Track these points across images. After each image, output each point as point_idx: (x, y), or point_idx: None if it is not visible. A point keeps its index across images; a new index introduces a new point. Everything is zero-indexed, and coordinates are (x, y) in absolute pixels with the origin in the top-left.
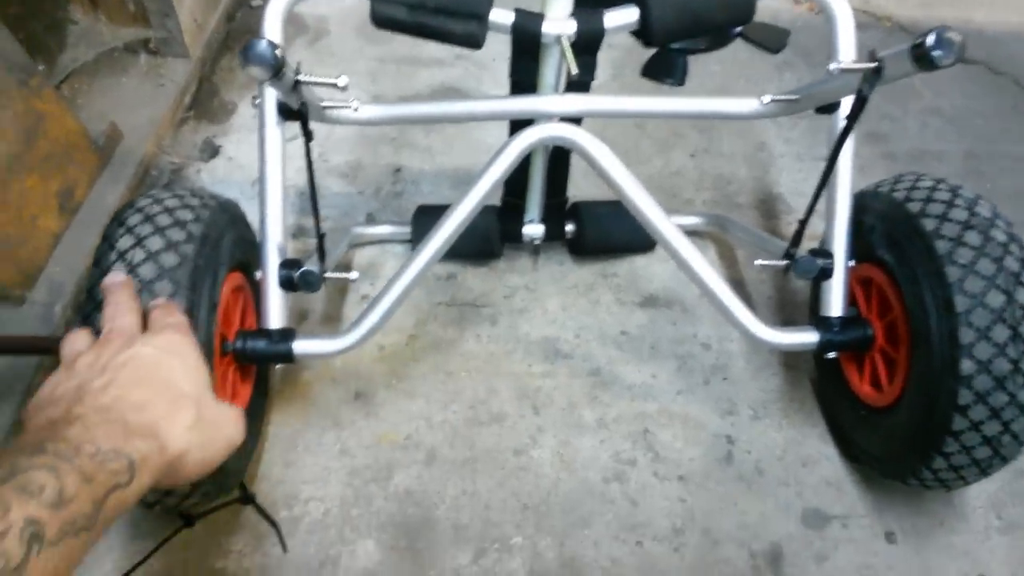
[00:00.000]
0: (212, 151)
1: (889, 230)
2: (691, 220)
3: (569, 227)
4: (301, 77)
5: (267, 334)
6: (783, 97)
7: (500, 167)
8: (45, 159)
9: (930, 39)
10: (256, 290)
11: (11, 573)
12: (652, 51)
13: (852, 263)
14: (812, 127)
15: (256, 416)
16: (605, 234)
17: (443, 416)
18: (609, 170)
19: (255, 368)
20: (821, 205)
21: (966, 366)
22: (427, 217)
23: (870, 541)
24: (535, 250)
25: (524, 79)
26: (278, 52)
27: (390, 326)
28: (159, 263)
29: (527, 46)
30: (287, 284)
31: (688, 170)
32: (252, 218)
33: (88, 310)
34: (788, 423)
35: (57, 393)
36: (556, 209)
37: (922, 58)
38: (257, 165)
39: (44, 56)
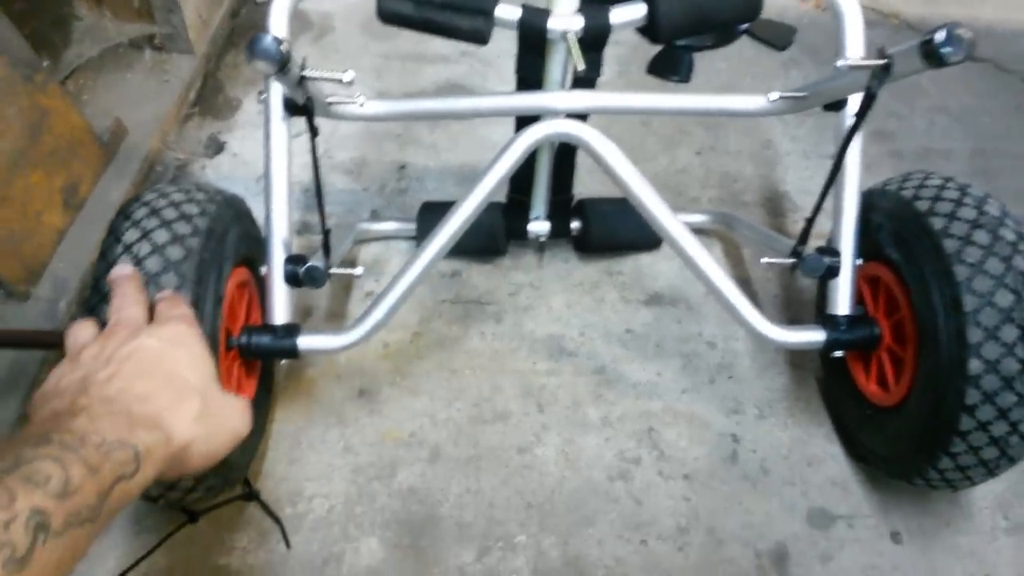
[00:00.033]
0: (217, 147)
1: (897, 228)
2: (697, 218)
3: (574, 224)
4: (307, 72)
5: (272, 329)
6: (791, 94)
7: (506, 163)
8: (50, 155)
9: (940, 35)
10: (261, 286)
11: (17, 563)
12: (658, 48)
13: (859, 262)
14: (819, 125)
15: (261, 412)
16: (611, 231)
17: (447, 414)
18: (615, 167)
19: (260, 364)
20: (828, 203)
21: (974, 366)
22: (432, 214)
23: (876, 541)
24: (540, 247)
25: (530, 75)
26: (284, 47)
27: (394, 323)
28: (165, 256)
29: (533, 42)
30: (292, 279)
31: (694, 168)
32: (257, 214)
33: (93, 302)
34: (794, 422)
35: (62, 384)
36: (562, 206)
37: (931, 55)
38: (262, 161)
39: (49, 52)
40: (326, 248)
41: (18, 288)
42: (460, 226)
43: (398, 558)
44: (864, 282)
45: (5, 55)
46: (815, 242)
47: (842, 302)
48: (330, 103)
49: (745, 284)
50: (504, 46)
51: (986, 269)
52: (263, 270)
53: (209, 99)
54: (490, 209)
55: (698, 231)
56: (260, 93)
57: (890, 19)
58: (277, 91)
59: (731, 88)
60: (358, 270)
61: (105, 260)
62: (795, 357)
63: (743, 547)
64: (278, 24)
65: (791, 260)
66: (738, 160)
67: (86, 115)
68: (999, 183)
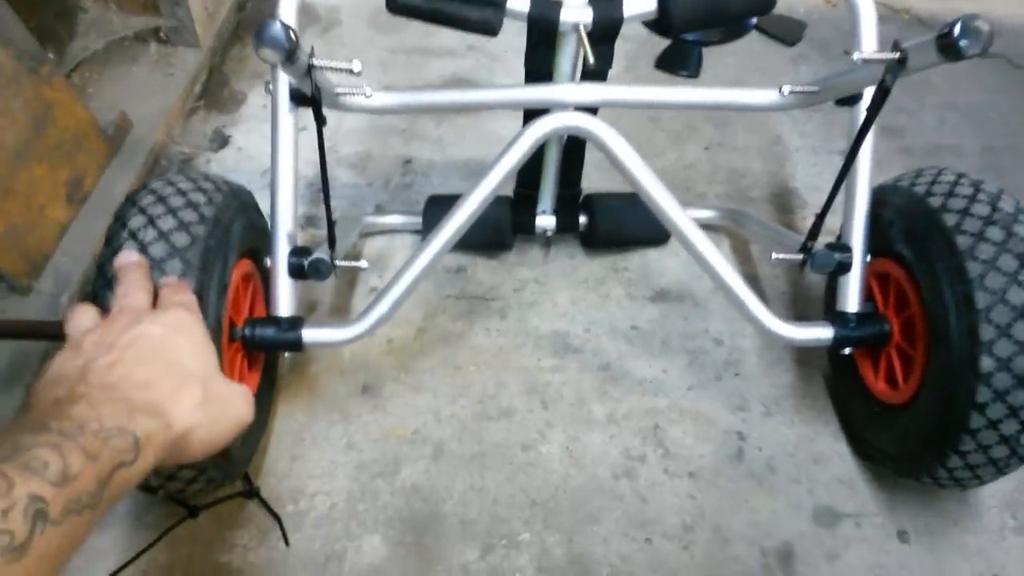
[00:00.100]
0: (222, 141)
1: (908, 224)
2: (706, 213)
3: (582, 219)
4: (314, 61)
5: (276, 322)
6: (803, 88)
7: (514, 156)
8: (54, 148)
9: (956, 28)
10: (266, 278)
11: (16, 551)
12: (666, 43)
13: (869, 258)
14: (827, 120)
15: (264, 406)
16: (618, 226)
17: (451, 410)
18: (625, 161)
19: (263, 357)
20: (837, 199)
21: (985, 363)
22: (438, 207)
23: (883, 540)
24: (547, 242)
25: (539, 68)
26: (292, 35)
27: (399, 319)
28: (170, 243)
29: (543, 34)
30: (297, 272)
31: (702, 163)
32: (263, 207)
33: (98, 287)
34: (800, 420)
35: (63, 371)
36: (569, 200)
37: (948, 48)
38: (266, 156)
39: (54, 44)
40: (331, 241)
41: (20, 282)
42: (466, 219)
43: (401, 556)
44: (874, 279)
45: (10, 47)
46: (824, 238)
47: (851, 299)
48: (337, 94)
49: (753, 280)
50: (511, 41)
51: (999, 266)
52: (268, 262)
53: (214, 93)
54: (497, 203)
55: (706, 227)
56: (267, 83)
57: (901, 14)
58: (284, 81)
59: (740, 83)
60: (363, 263)
61: (110, 246)
62: (802, 354)
63: (749, 546)
64: (287, 13)
65: (801, 256)
66: (746, 156)
67: (91, 108)
68: (1010, 180)
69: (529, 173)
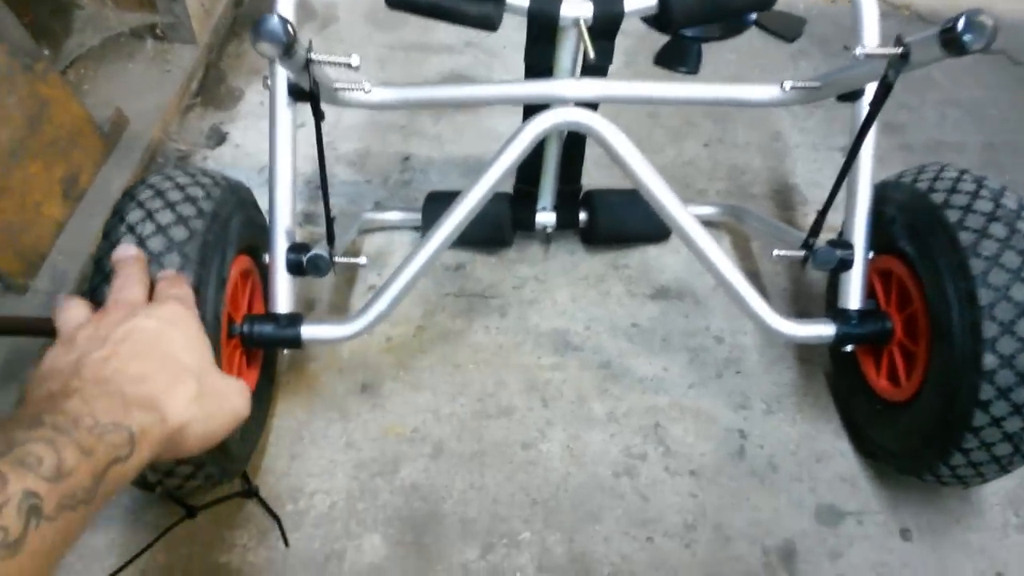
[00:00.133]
0: (219, 138)
1: (911, 221)
2: (707, 210)
3: (582, 215)
4: (313, 56)
5: (275, 318)
6: (805, 84)
7: (514, 152)
8: (49, 145)
9: (960, 23)
10: (264, 275)
11: (10, 547)
12: (665, 39)
13: (871, 255)
14: (828, 117)
15: (262, 404)
16: (619, 223)
17: (451, 409)
18: (625, 157)
19: (262, 354)
20: (838, 195)
21: (989, 360)
22: (438, 204)
23: (885, 538)
24: (546, 239)
25: (539, 63)
26: (290, 29)
27: (398, 317)
28: (169, 236)
29: (543, 29)
30: (295, 268)
31: (701, 160)
32: (261, 203)
33: (95, 281)
34: (802, 418)
35: (56, 366)
36: (569, 197)
37: (951, 42)
38: (263, 153)
39: (49, 41)
40: (330, 237)
41: (16, 281)
42: (466, 216)
43: (401, 555)
44: (876, 275)
45: (5, 43)
46: (825, 235)
47: (853, 295)
48: (336, 89)
49: (754, 277)
50: (510, 36)
51: (1003, 263)
52: (266, 258)
53: (211, 89)
54: (497, 199)
55: (707, 223)
56: (265, 78)
57: (901, 10)
58: (282, 76)
59: (740, 80)
60: (362, 259)
61: (108, 240)
62: (803, 352)
63: (751, 544)
64: (285, 7)
65: (802, 252)
66: (746, 152)
67: (87, 105)
68: (1011, 176)
69: (529, 169)
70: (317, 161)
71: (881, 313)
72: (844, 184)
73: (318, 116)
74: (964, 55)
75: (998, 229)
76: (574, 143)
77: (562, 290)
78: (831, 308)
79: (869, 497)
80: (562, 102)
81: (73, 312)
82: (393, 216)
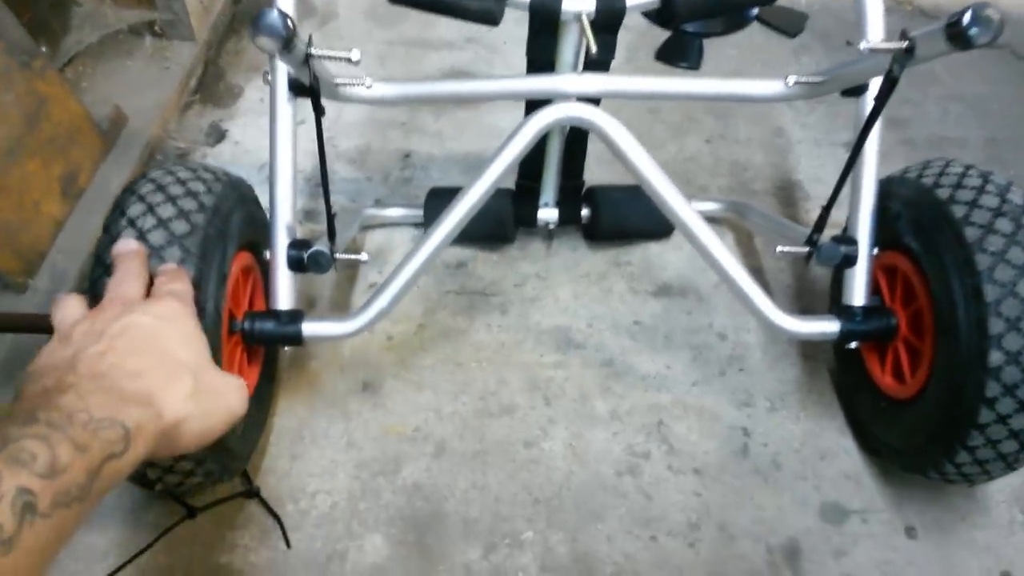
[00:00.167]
0: (218, 135)
1: (916, 217)
2: (710, 206)
3: (584, 211)
4: (312, 50)
5: (275, 315)
6: (808, 79)
7: (516, 148)
8: (48, 143)
9: (966, 16)
10: (265, 272)
11: (3, 544)
12: (666, 35)
13: (876, 251)
14: (830, 112)
15: (263, 402)
16: (621, 219)
17: (452, 407)
18: (628, 152)
19: (263, 352)
20: (843, 191)
21: (995, 357)
22: (440, 200)
23: (890, 536)
24: (548, 235)
25: (541, 58)
26: (289, 23)
27: (399, 315)
28: (169, 230)
29: (545, 23)
30: (296, 264)
31: (703, 156)
32: (262, 200)
33: (96, 275)
34: (806, 415)
35: (51, 362)
36: (572, 193)
37: (957, 36)
38: (263, 150)
39: (47, 38)
40: (331, 233)
41: (15, 280)
42: (468, 212)
43: (403, 555)
44: (880, 271)
45: (2, 41)
46: (829, 231)
47: (858, 292)
48: (337, 84)
49: (757, 274)
50: (511, 32)
51: (1009, 258)
52: (267, 255)
53: (210, 86)
54: (498, 195)
55: (710, 219)
56: (266, 73)
57: (903, 6)
58: (283, 72)
59: (741, 75)
60: (363, 256)
61: (109, 234)
62: (807, 349)
63: (755, 543)
64: (284, 1)
65: (806, 249)
66: (748, 148)
67: (85, 102)
68: (1014, 172)
69: (531, 165)
70: (317, 158)
71: (886, 309)
72: (848, 180)
73: (318, 111)
74: (970, 49)
75: (1004, 224)
76: (576, 139)
77: (564, 287)
78: (835, 305)
79: (874, 495)
80: (564, 97)
81: (70, 309)
82: (394, 212)
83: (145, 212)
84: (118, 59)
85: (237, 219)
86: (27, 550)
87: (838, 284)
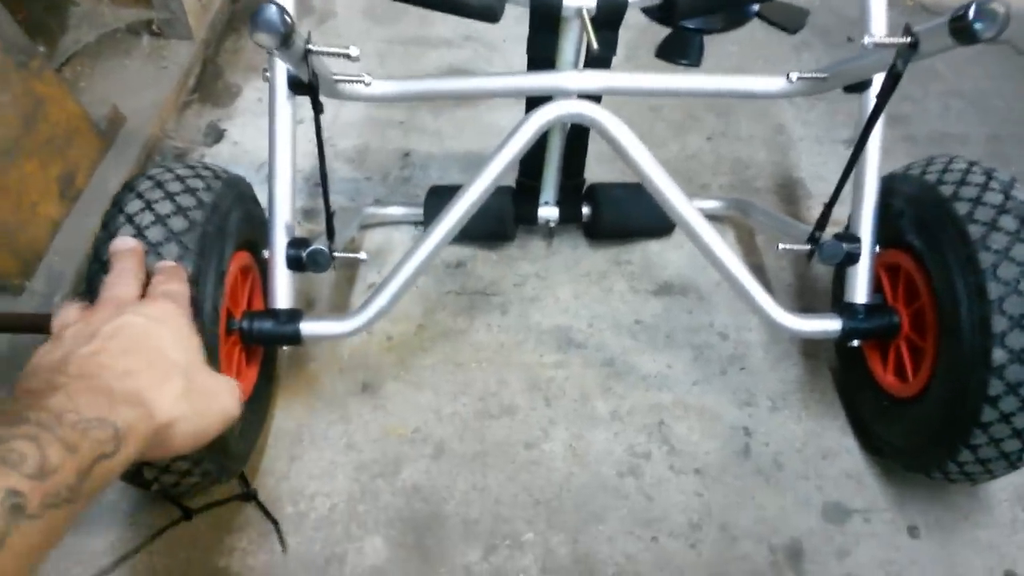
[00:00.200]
0: (216, 135)
1: (919, 214)
2: (711, 204)
3: (585, 210)
4: (311, 46)
5: (274, 314)
6: (811, 75)
7: (516, 145)
8: (45, 143)
9: (971, 11)
10: (264, 271)
11: None
12: (666, 32)
13: (878, 248)
14: (831, 109)
15: (262, 402)
16: (622, 217)
17: (452, 408)
18: (629, 149)
19: (262, 352)
20: (845, 188)
21: (998, 355)
22: (440, 198)
23: (893, 535)
24: (549, 233)
25: (542, 55)
26: (287, 18)
27: (398, 315)
28: (168, 227)
29: (546, 20)
30: (295, 263)
31: (704, 154)
32: (261, 199)
33: (93, 271)
34: (808, 414)
35: (43, 363)
36: (572, 191)
37: (962, 31)
38: (262, 150)
39: (45, 38)
40: (330, 231)
41: (12, 281)
42: (468, 210)
43: (402, 557)
44: (883, 269)
45: None
46: (831, 229)
47: (860, 290)
48: (336, 81)
49: (759, 272)
50: (510, 30)
51: (1013, 255)
52: (266, 254)
53: (208, 86)
54: (499, 193)
55: (711, 217)
56: (264, 71)
57: (904, 0)
58: (282, 69)
59: (742, 72)
60: (362, 254)
61: (107, 230)
62: (809, 347)
63: (757, 543)
64: None
65: (808, 246)
66: (750, 146)
67: (83, 103)
68: (1017, 168)
69: (532, 163)
70: (316, 157)
71: (888, 308)
72: (850, 176)
73: (317, 108)
74: (975, 43)
75: (1008, 222)
76: (577, 136)
77: (564, 287)
78: (837, 303)
79: (876, 494)
80: (565, 94)
81: (66, 314)
82: (394, 211)
83: (143, 209)
84: (116, 58)
85: (236, 217)
86: (15, 552)
87: (840, 282)
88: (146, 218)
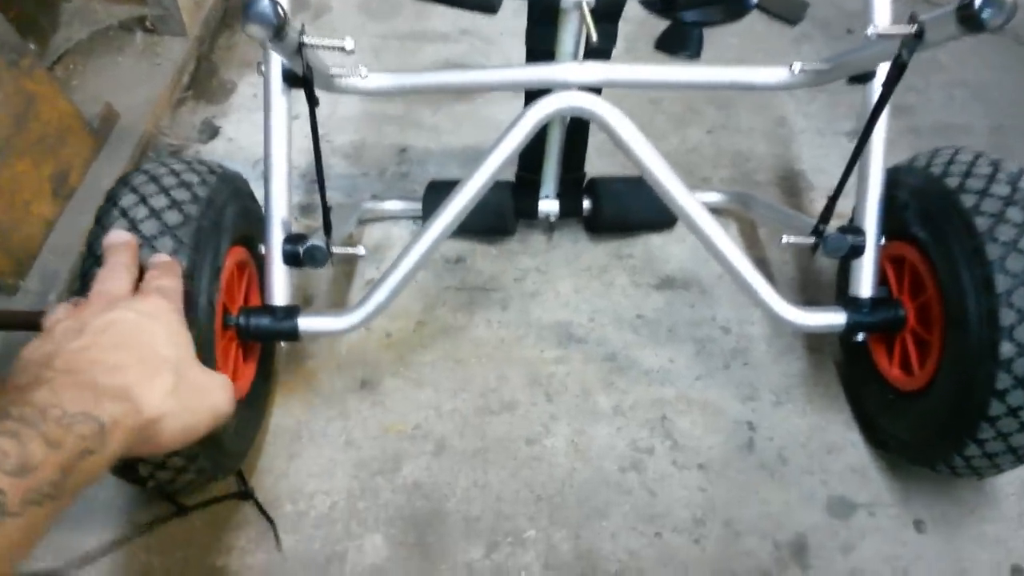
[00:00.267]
0: (211, 132)
1: (925, 206)
2: (713, 197)
3: (586, 203)
4: (305, 39)
5: (271, 311)
6: (815, 66)
7: (515, 138)
8: (37, 142)
9: None
10: (260, 267)
11: None
12: (665, 24)
13: (883, 241)
14: (832, 101)
15: (260, 399)
16: (623, 210)
17: (452, 405)
18: (630, 142)
19: (259, 349)
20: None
21: (1006, 349)
22: (438, 192)
23: (898, 530)
24: (549, 227)
25: (540, 47)
26: (280, 10)
27: (397, 311)
28: (162, 220)
29: (545, 12)
30: (292, 259)
31: (705, 146)
32: (257, 195)
33: (87, 266)
34: (812, 408)
35: (32, 358)
36: (573, 184)
37: (969, 19)
38: (258, 146)
39: (36, 35)
40: (327, 226)
41: (6, 281)
42: (467, 204)
43: (403, 555)
44: (888, 262)
45: None
46: (835, 222)
47: (865, 283)
48: (332, 75)
49: (762, 265)
50: (507, 24)
51: (1020, 247)
52: (262, 249)
53: (203, 82)
54: (498, 187)
55: (713, 210)
56: (259, 64)
57: None
58: (276, 62)
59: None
60: (360, 250)
61: (101, 224)
62: (813, 341)
63: (761, 539)
64: None
65: (812, 239)
66: (751, 138)
67: (75, 100)
68: (1021, 159)
69: (531, 156)
70: (312, 151)
71: (893, 301)
72: (856, 169)
73: (312, 101)
74: (983, 32)
75: (1015, 214)
76: (577, 129)
77: (565, 281)
78: (841, 296)
79: (881, 489)
80: (565, 86)
81: (58, 311)
82: (392, 206)
83: (137, 203)
84: (108, 56)
85: (232, 212)
86: None
87: (844, 275)
88: (140, 212)
